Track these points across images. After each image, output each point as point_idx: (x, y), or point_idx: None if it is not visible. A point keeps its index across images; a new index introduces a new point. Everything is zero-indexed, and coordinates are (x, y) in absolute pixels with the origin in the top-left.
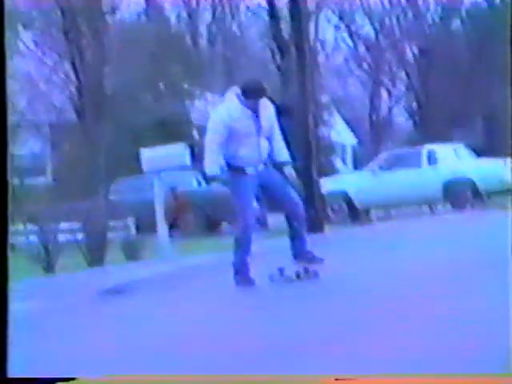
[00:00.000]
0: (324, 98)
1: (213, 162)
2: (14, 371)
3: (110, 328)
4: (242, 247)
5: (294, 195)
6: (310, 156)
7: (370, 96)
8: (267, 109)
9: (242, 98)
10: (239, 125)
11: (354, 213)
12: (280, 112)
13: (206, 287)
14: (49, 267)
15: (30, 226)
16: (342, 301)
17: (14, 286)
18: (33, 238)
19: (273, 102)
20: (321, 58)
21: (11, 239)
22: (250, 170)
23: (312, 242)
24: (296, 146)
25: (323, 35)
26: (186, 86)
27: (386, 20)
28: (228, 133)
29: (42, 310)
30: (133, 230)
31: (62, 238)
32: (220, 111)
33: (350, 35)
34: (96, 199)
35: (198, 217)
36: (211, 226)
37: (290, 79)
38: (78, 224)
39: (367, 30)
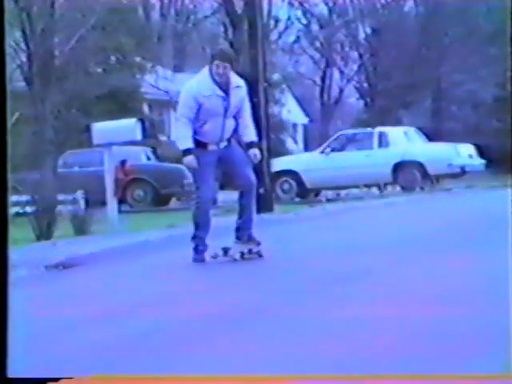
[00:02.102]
0: (276, 76)
1: (185, 137)
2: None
3: (57, 302)
4: (200, 224)
5: (251, 175)
6: (261, 134)
7: (322, 75)
8: (239, 89)
9: (214, 69)
10: (208, 103)
11: (304, 193)
12: (251, 89)
13: (154, 263)
14: None
15: None
16: (284, 280)
17: None
18: None
19: (245, 79)
20: (273, 36)
21: None
22: (211, 147)
23: (261, 221)
24: None
25: (276, 12)
26: (137, 59)
27: None
28: (197, 109)
29: None
30: (82, 204)
31: (11, 210)
32: (191, 85)
33: (304, 13)
34: (44, 172)
35: (147, 192)
36: (160, 201)
37: (241, 55)
38: (26, 197)
39: (321, 8)
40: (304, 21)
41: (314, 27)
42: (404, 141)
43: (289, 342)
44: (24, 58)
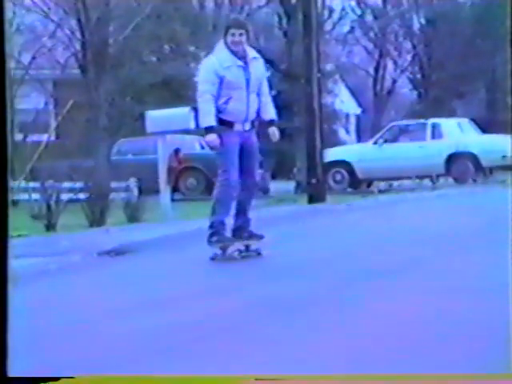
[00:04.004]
0: (329, 66)
1: (208, 114)
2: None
3: (110, 289)
4: (223, 207)
5: (257, 173)
6: (314, 124)
7: (376, 65)
8: (256, 60)
9: (229, 38)
10: (230, 75)
11: (356, 184)
12: (270, 67)
13: (206, 251)
14: (50, 225)
15: (32, 183)
16: (335, 269)
17: (15, 242)
18: (35, 195)
19: (261, 55)
20: (327, 26)
21: (13, 196)
22: (237, 127)
23: (313, 211)
24: (300, 114)
25: (331, 2)
26: (191, 48)
27: None
28: (219, 83)
29: (41, 267)
30: (135, 192)
31: (64, 196)
32: (210, 60)
33: (358, 3)
34: (98, 159)
35: (200, 180)
36: (209, 191)
37: (295, 45)
38: (80, 183)
39: None
40: (358, 11)
41: (368, 17)
42: (458, 132)
43: (340, 335)
44: (78, 46)
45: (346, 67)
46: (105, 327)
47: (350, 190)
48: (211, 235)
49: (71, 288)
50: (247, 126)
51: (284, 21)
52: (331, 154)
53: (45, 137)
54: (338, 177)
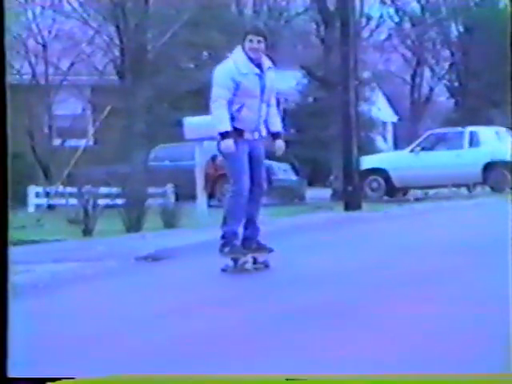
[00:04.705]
0: (366, 74)
1: (223, 119)
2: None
3: (146, 294)
4: (235, 217)
5: (264, 181)
6: (351, 132)
7: (413, 73)
8: (271, 71)
9: (247, 45)
10: (246, 82)
11: (392, 192)
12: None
13: None
14: (87, 230)
15: (69, 188)
16: (369, 277)
17: (53, 247)
18: (72, 200)
19: (273, 61)
20: (365, 33)
21: (51, 200)
22: (247, 136)
23: (349, 218)
24: (337, 121)
25: (368, 9)
26: (228, 55)
27: None
28: (234, 89)
29: (78, 272)
30: (172, 198)
31: (101, 202)
32: (228, 65)
33: (396, 11)
34: (135, 165)
35: None
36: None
37: (332, 53)
38: (117, 189)
39: (413, 6)
40: (396, 18)
41: (406, 25)
42: (495, 140)
43: (373, 341)
44: (117, 53)
45: (383, 75)
46: (140, 332)
47: (386, 197)
48: (223, 245)
49: (107, 293)
50: (256, 135)
51: (322, 28)
52: (368, 162)
53: (82, 142)
54: (375, 184)
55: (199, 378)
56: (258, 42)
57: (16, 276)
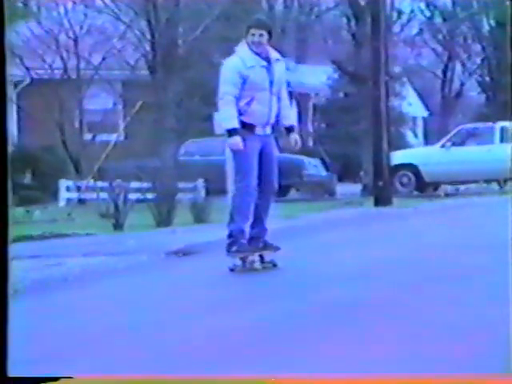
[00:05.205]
0: (397, 69)
1: (231, 116)
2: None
3: (176, 288)
4: (242, 215)
5: (275, 178)
6: (381, 127)
7: (444, 68)
8: (279, 62)
9: (250, 39)
10: (254, 75)
11: (423, 187)
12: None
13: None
14: (118, 225)
15: (100, 183)
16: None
17: (83, 241)
18: (103, 194)
19: (282, 55)
20: (396, 28)
21: (82, 194)
22: (258, 131)
23: (379, 214)
24: (367, 116)
25: (399, 4)
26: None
27: None
28: (242, 84)
29: (109, 266)
30: (202, 193)
31: (132, 196)
32: (233, 60)
33: (427, 5)
34: (166, 159)
35: None
36: (279, 192)
37: (363, 48)
38: (147, 183)
39: (444, 0)
40: (427, 13)
41: (437, 20)
42: None
43: (400, 339)
44: (148, 48)
45: (413, 69)
46: (172, 327)
47: (416, 193)
48: (230, 245)
49: (138, 287)
50: (268, 130)
51: (352, 23)
52: (398, 157)
53: (113, 137)
54: (405, 180)
55: (199, 378)
56: (260, 35)
57: (47, 269)
